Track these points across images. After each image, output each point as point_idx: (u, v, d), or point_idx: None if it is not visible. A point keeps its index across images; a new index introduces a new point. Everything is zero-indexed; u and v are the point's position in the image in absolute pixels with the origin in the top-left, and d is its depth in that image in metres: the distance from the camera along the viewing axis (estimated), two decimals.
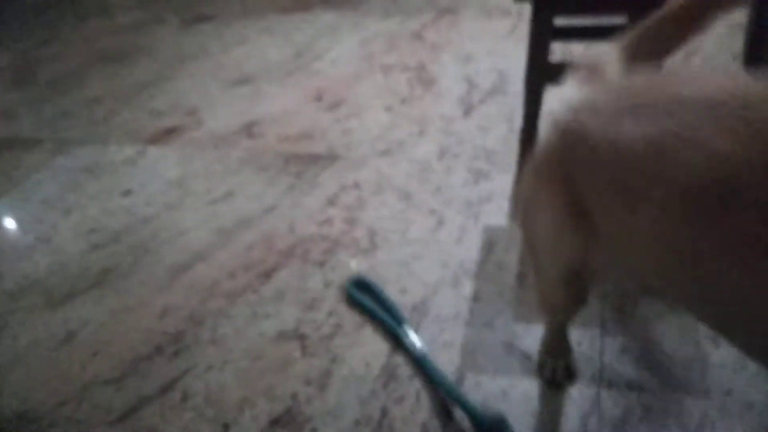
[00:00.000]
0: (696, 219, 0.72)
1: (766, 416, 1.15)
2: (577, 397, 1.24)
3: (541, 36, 1.52)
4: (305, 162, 2.03)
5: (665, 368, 1.26)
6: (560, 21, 1.70)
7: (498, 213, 1.72)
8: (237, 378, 1.37)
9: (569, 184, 0.88)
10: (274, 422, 1.27)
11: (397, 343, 1.38)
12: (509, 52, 2.50)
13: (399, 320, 1.42)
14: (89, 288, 1.66)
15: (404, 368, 1.34)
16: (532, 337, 1.35)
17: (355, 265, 1.61)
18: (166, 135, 2.30)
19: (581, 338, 1.33)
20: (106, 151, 2.26)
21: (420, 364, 1.32)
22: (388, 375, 1.33)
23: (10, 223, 2.02)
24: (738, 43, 2.08)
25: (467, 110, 2.18)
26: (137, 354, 1.45)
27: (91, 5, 3.99)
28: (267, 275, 1.61)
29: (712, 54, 2.28)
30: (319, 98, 2.39)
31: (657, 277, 0.85)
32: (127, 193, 2.01)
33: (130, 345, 1.48)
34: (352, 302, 1.50)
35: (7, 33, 3.75)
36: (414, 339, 1.36)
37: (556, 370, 1.27)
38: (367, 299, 1.49)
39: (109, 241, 1.82)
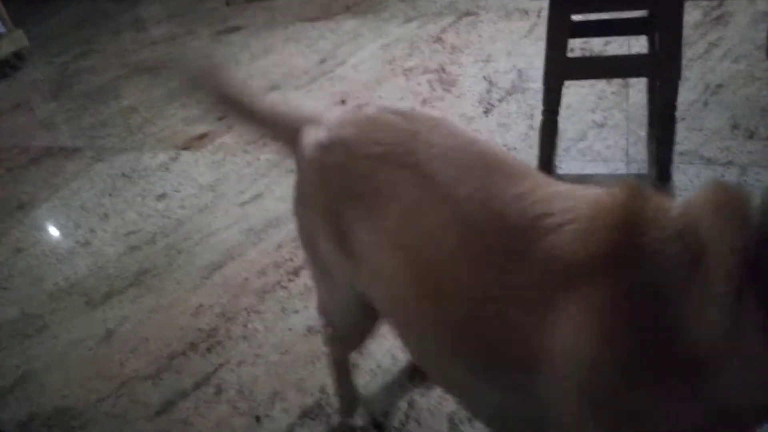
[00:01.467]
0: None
1: None
2: None
3: (558, 33, 1.54)
4: None
5: None
6: (578, 17, 1.72)
7: None
8: (268, 372, 1.42)
9: (329, 207, 0.87)
10: (305, 414, 1.31)
11: None
12: (528, 52, 2.51)
13: None
14: (127, 288, 1.74)
15: None
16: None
17: None
18: (198, 141, 2.38)
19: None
20: (141, 158, 2.36)
21: None
22: (415, 367, 1.36)
23: (50, 228, 2.12)
24: (760, 34, 2.06)
25: (487, 109, 2.20)
26: (173, 350, 1.52)
27: (125, 20, 4.14)
28: (295, 272, 1.66)
29: (735, 45, 2.25)
30: (343, 102, 2.44)
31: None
32: (161, 196, 2.09)
33: (166, 342, 1.54)
34: None
35: (47, 47, 3.91)
36: None
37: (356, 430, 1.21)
38: None
39: (145, 243, 1.90)
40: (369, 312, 0.94)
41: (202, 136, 2.41)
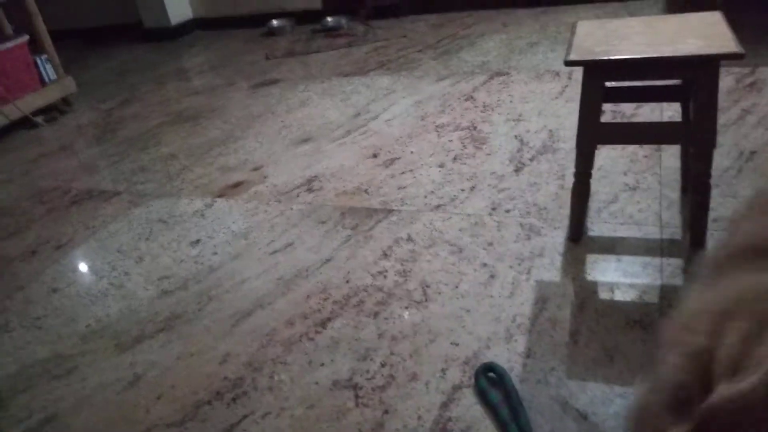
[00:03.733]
0: None
1: None
2: None
3: (592, 99, 1.56)
4: (361, 215, 2.11)
5: None
6: (610, 82, 1.75)
7: (550, 268, 1.72)
8: (293, 425, 1.40)
9: None
10: None
11: None
12: (559, 112, 2.54)
13: (520, 421, 1.30)
14: (157, 332, 1.76)
15: (456, 422, 1.34)
16: (587, 395, 1.33)
17: (408, 316, 1.65)
18: (233, 189, 2.45)
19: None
20: (178, 204, 2.42)
21: None
22: (441, 428, 1.34)
23: (86, 269, 2.17)
24: None
25: (518, 167, 2.22)
26: (199, 399, 1.52)
27: (169, 70, 4.34)
28: (323, 324, 1.67)
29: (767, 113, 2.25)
30: (375, 155, 2.49)
31: None
32: (195, 243, 2.14)
33: (193, 389, 1.55)
34: (480, 393, 1.40)
35: (93, 93, 4.11)
36: None
37: None
38: (494, 392, 1.38)
39: (177, 288, 1.93)
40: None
41: (238, 185, 2.47)
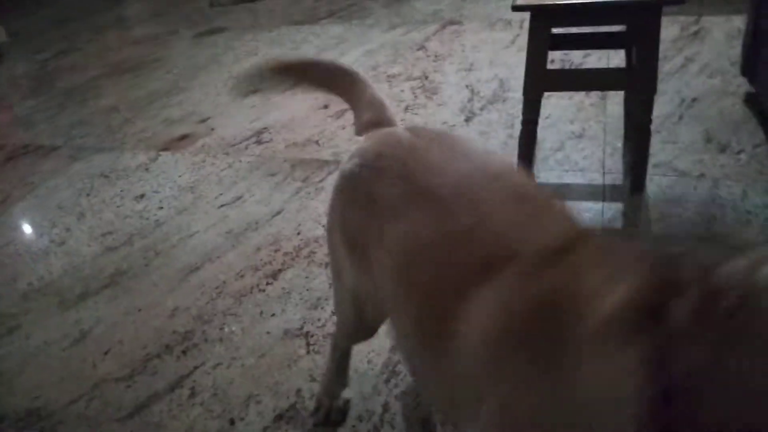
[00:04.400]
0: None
1: None
2: None
3: (539, 45, 1.56)
4: (312, 167, 2.09)
5: None
6: (558, 30, 1.75)
7: None
8: (244, 375, 1.41)
9: (346, 223, 0.96)
10: (279, 417, 1.31)
11: None
12: (510, 62, 2.54)
13: None
14: (102, 289, 1.72)
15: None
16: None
17: None
18: (179, 142, 2.37)
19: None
20: (121, 158, 2.34)
21: None
22: (390, 371, 1.37)
23: (26, 227, 2.09)
24: (735, 50, 2.12)
25: (469, 117, 2.22)
26: (147, 352, 1.50)
27: (108, 18, 4.11)
28: (274, 276, 1.66)
29: (711, 60, 2.31)
30: (326, 106, 2.45)
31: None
32: (140, 197, 2.08)
33: (141, 344, 1.53)
34: None
35: (27, 44, 3.86)
36: None
37: (330, 410, 1.28)
38: None
39: (122, 244, 1.88)
40: (369, 314, 1.05)
41: (183, 138, 2.39)
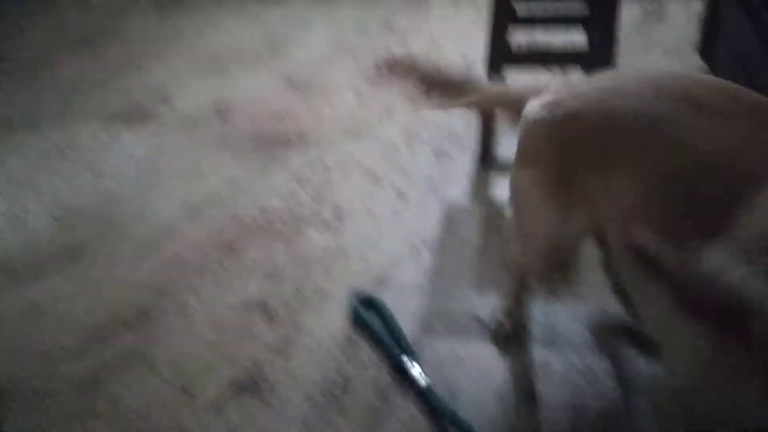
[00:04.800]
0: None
1: None
2: (526, 359, 1.30)
3: (500, 20, 1.57)
4: (275, 143, 2.06)
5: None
6: (522, 11, 1.76)
7: (460, 192, 1.77)
8: (201, 347, 1.40)
9: (557, 157, 1.01)
10: (237, 387, 1.31)
11: (400, 372, 1.30)
12: (475, 40, 2.53)
13: (405, 349, 1.33)
14: (58, 264, 1.68)
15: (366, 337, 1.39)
16: (490, 307, 1.41)
17: (320, 239, 1.65)
18: (138, 117, 2.31)
19: (533, 305, 1.39)
20: (77, 132, 2.26)
21: (423, 397, 1.24)
22: (350, 342, 1.38)
23: None
24: (695, 33, 2.16)
25: None
26: (103, 326, 1.48)
27: None
28: (234, 249, 1.65)
29: (671, 42, 2.35)
30: (289, 82, 2.42)
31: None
32: (97, 173, 2.02)
33: (97, 318, 1.50)
34: (358, 322, 1.41)
35: None
36: (418, 372, 1.27)
37: (510, 329, 1.33)
38: (375, 321, 1.39)
39: (78, 220, 1.83)
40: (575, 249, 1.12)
41: (143, 113, 2.33)
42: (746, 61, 1.61)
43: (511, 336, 1.33)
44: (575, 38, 2.04)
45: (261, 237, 1.68)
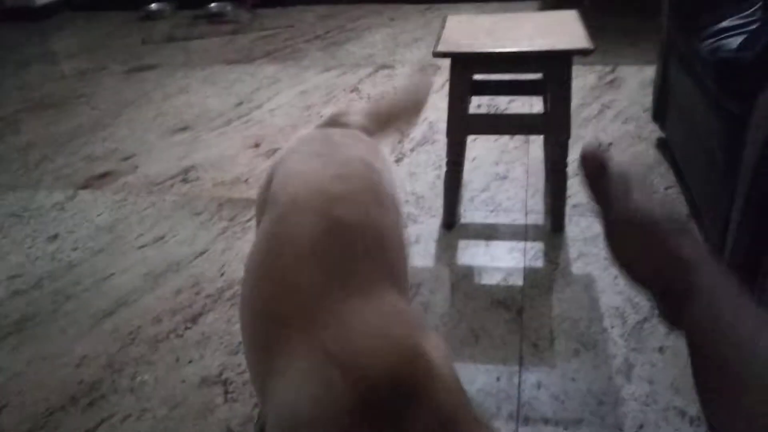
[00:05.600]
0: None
1: None
2: None
3: (460, 90, 1.61)
4: (239, 207, 2.05)
5: (580, 403, 1.30)
6: (480, 77, 1.82)
7: (425, 254, 1.76)
8: (155, 427, 1.33)
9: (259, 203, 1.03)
10: None
11: None
12: (440, 105, 2.59)
13: None
14: (5, 336, 1.60)
15: None
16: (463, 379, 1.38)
17: None
18: (99, 180, 2.28)
19: (500, 374, 1.37)
20: (35, 197, 2.22)
21: None
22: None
23: None
24: (648, 98, 2.26)
25: (399, 158, 2.25)
26: (50, 405, 1.39)
27: (33, 53, 3.96)
28: (193, 320, 1.59)
29: (625, 107, 2.45)
30: (257, 145, 2.43)
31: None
32: (53, 238, 1.97)
33: (44, 396, 1.42)
34: None
35: None
36: None
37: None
38: None
39: (30, 288, 1.76)
40: None
41: (105, 175, 2.31)
42: (695, 123, 1.68)
43: None
44: (536, 101, 2.12)
45: (223, 306, 1.64)
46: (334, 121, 1.16)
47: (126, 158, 2.41)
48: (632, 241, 0.47)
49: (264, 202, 0.97)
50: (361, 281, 0.74)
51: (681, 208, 0.92)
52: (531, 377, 1.37)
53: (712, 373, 0.40)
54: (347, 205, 0.82)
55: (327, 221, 0.79)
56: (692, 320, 0.42)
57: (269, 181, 0.99)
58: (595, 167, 0.51)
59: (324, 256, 0.76)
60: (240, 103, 2.84)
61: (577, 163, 0.52)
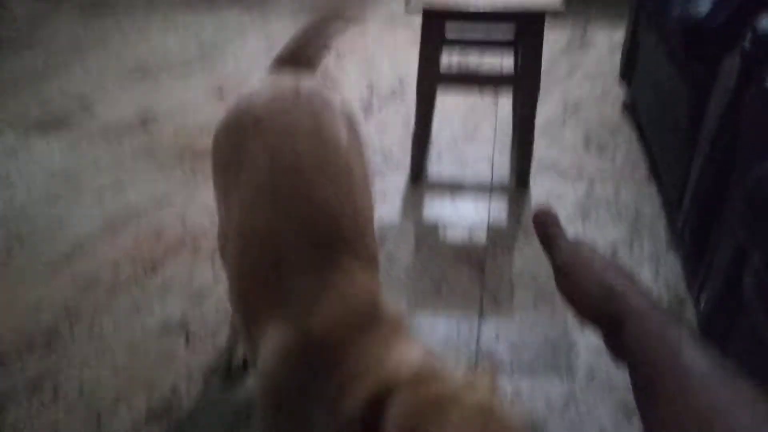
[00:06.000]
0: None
1: (627, 398, 1.26)
2: None
3: (431, 43, 1.59)
4: (201, 156, 1.99)
5: (536, 352, 1.34)
6: (453, 35, 1.80)
7: (391, 209, 1.77)
8: (114, 373, 1.32)
9: (216, 159, 1.01)
10: (152, 415, 1.23)
11: None
12: (410, 61, 2.56)
13: None
14: None
15: None
16: (415, 322, 1.40)
17: None
18: (54, 125, 2.18)
19: (460, 325, 1.40)
20: None
21: None
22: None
23: None
24: (616, 60, 2.28)
25: (367, 113, 2.22)
26: (5, 350, 1.36)
27: None
28: (153, 268, 1.57)
29: (594, 68, 2.46)
30: (219, 94, 2.36)
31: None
32: (7, 184, 1.89)
33: (0, 340, 1.39)
34: None
35: None
36: None
37: (229, 364, 1.30)
38: None
39: None
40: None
41: (59, 121, 2.21)
42: (661, 85, 1.71)
43: (233, 371, 1.30)
44: (506, 62, 2.11)
45: (183, 254, 1.61)
46: (290, 58, 1.12)
47: (82, 103, 2.30)
48: (574, 280, 0.52)
49: (232, 165, 0.93)
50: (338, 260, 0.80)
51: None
52: (490, 328, 1.40)
53: (647, 389, 0.43)
54: (328, 187, 0.85)
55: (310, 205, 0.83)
56: (626, 342, 0.46)
57: (238, 143, 0.93)
58: (547, 221, 0.58)
59: (309, 236, 0.81)
60: (202, 49, 2.74)
61: (531, 219, 0.60)
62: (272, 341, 0.75)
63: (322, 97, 0.98)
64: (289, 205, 0.82)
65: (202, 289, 1.51)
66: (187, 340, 1.39)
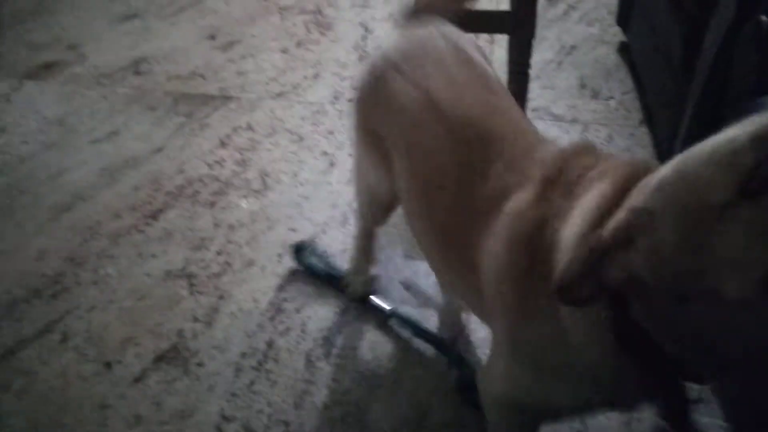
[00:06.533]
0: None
1: None
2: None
3: None
4: (196, 102, 1.98)
5: None
6: None
7: None
8: (121, 318, 1.37)
9: (371, 126, 1.04)
10: (159, 358, 1.29)
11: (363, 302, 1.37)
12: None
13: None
14: None
15: (292, 301, 1.39)
16: (413, 270, 1.45)
17: (246, 205, 1.63)
18: (46, 70, 2.15)
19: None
20: None
21: (393, 318, 1.33)
22: (276, 309, 1.39)
23: None
24: (614, 3, 2.23)
25: (362, 56, 2.19)
26: (12, 297, 1.41)
27: None
28: (154, 216, 1.59)
29: (591, 9, 2.41)
30: (212, 37, 2.31)
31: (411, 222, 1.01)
32: (0, 131, 1.88)
33: (5, 288, 1.43)
34: (304, 265, 1.45)
35: None
36: (378, 301, 1.37)
37: (357, 286, 1.38)
38: (314, 260, 1.45)
39: None
40: (384, 204, 1.16)
41: (50, 65, 2.17)
42: (658, 30, 1.68)
43: (359, 289, 1.37)
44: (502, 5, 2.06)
45: (183, 202, 1.63)
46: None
47: (72, 47, 2.26)
48: None
49: (387, 116, 0.97)
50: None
51: None
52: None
53: None
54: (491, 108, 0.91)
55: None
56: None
57: (388, 94, 0.96)
58: None
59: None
60: None
61: None
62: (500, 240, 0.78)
63: (458, 33, 1.02)
64: (461, 131, 0.87)
65: (203, 235, 1.55)
66: (191, 285, 1.43)
